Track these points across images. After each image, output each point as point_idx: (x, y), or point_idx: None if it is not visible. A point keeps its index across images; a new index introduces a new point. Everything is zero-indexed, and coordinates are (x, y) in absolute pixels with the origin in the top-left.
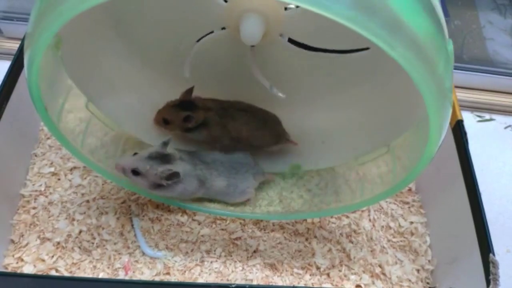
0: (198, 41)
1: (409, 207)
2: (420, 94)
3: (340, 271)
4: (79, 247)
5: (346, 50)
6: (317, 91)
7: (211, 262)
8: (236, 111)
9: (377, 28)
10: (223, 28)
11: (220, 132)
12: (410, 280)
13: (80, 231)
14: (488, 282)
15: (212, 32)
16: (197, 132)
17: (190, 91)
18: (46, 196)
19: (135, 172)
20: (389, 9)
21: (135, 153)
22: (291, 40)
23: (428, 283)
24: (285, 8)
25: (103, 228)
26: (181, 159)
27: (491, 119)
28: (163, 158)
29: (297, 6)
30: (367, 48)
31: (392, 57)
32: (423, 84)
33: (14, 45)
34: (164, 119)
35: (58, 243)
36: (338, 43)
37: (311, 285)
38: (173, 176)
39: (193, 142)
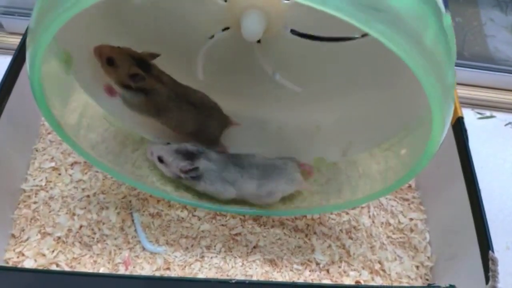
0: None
1: (409, 204)
2: (422, 92)
3: (339, 267)
4: (80, 242)
5: (349, 37)
6: (323, 87)
7: (211, 257)
8: (185, 103)
9: (377, 22)
10: (227, 28)
11: (155, 111)
12: (409, 277)
13: (81, 226)
14: (487, 279)
15: (222, 30)
16: (132, 94)
17: (154, 55)
18: (47, 191)
19: (160, 160)
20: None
21: (168, 143)
22: (297, 34)
23: (427, 279)
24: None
25: (103, 223)
26: (207, 159)
27: (491, 116)
28: (188, 154)
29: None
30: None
31: (396, 53)
32: (426, 80)
33: (16, 40)
34: (109, 58)
35: (59, 238)
36: (338, 30)
37: (310, 281)
38: (191, 171)
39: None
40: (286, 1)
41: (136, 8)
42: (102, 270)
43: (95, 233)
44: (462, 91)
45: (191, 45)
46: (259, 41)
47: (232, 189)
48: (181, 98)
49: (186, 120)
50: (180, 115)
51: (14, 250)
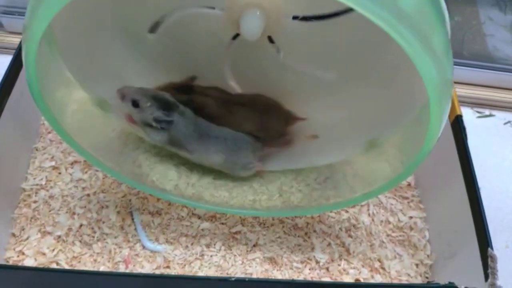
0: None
1: (408, 202)
2: (419, 89)
3: (339, 265)
4: (80, 241)
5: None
6: (317, 85)
7: (211, 256)
8: (236, 106)
9: (383, 12)
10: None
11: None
12: (409, 275)
13: (81, 225)
14: (486, 277)
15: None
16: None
17: (194, 77)
18: (47, 190)
19: (135, 103)
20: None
21: (140, 87)
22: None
23: (427, 277)
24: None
25: (103, 222)
26: (181, 114)
27: (490, 115)
28: (165, 103)
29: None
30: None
31: (400, 45)
32: (426, 71)
33: (16, 39)
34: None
35: (59, 236)
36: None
37: (310, 279)
38: (165, 123)
39: None
40: (287, 18)
41: (154, 44)
42: (102, 269)
43: (95, 232)
44: (461, 90)
45: (190, 49)
46: (271, 40)
47: (195, 152)
48: (231, 102)
49: (242, 122)
50: (233, 118)
51: (14, 249)
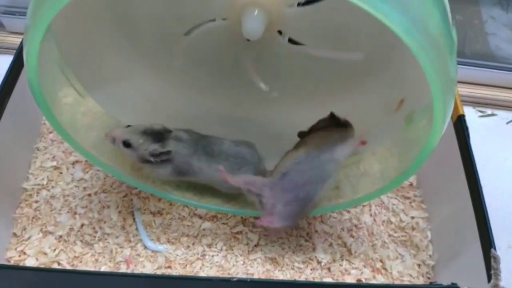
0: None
1: (410, 202)
2: (422, 88)
3: (341, 265)
4: (81, 241)
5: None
6: (315, 89)
7: (212, 256)
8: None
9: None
10: (223, 20)
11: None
12: (411, 275)
13: (82, 225)
14: (489, 277)
15: (213, 20)
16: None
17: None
18: (48, 190)
19: (126, 144)
20: None
21: (128, 126)
22: (291, 41)
23: (429, 278)
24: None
25: (104, 222)
26: (177, 140)
27: (492, 114)
28: (157, 135)
29: (299, 4)
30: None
31: (405, 42)
32: (431, 70)
33: (17, 40)
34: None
35: (60, 236)
36: (335, 44)
37: (312, 280)
38: (163, 155)
39: None
40: (290, 8)
41: (134, 7)
42: (103, 269)
43: (96, 232)
44: (463, 89)
45: (183, 31)
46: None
47: (201, 174)
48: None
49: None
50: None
51: (15, 249)
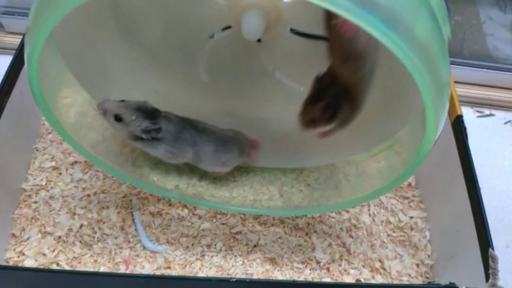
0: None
1: (409, 202)
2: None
3: (340, 265)
4: (80, 241)
5: None
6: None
7: (212, 256)
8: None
9: (376, 20)
10: (229, 27)
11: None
12: (409, 275)
13: (81, 226)
14: (487, 277)
15: (223, 29)
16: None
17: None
18: (47, 191)
19: (118, 118)
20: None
21: (122, 100)
22: (296, 33)
23: (427, 277)
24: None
25: (104, 223)
26: (167, 119)
27: (490, 115)
28: (149, 112)
29: None
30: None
31: (388, 47)
32: (419, 76)
33: (16, 40)
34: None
35: (59, 237)
36: None
37: (311, 280)
38: (154, 131)
39: None
40: (286, 0)
41: (137, 9)
42: (102, 269)
43: (95, 233)
44: (461, 90)
45: (192, 46)
46: (259, 40)
47: (190, 150)
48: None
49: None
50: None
51: (14, 249)
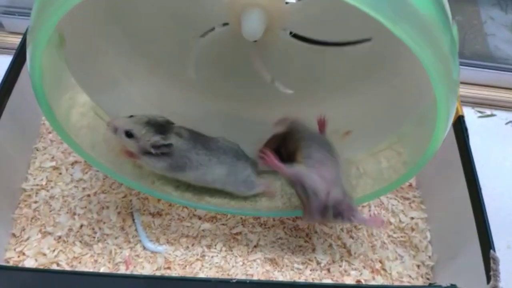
0: (201, 36)
1: (409, 203)
2: (424, 90)
3: (340, 266)
4: (80, 241)
5: (348, 42)
6: (322, 87)
7: (212, 256)
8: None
9: (387, 9)
10: (226, 24)
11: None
12: (410, 276)
13: (81, 226)
14: (488, 278)
15: (214, 29)
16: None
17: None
18: (47, 191)
19: (129, 134)
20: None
21: (131, 116)
22: (295, 36)
23: (428, 279)
24: (286, 4)
25: (104, 223)
26: (178, 135)
27: (492, 115)
28: (159, 127)
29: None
30: (368, 40)
31: (403, 41)
32: (433, 69)
33: (16, 40)
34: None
35: (59, 237)
36: (340, 34)
37: (311, 280)
38: (164, 147)
39: None
40: (288, 2)
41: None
42: (102, 270)
43: (95, 233)
44: (463, 90)
45: (189, 41)
46: (255, 41)
47: (191, 174)
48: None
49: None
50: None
51: (14, 249)
